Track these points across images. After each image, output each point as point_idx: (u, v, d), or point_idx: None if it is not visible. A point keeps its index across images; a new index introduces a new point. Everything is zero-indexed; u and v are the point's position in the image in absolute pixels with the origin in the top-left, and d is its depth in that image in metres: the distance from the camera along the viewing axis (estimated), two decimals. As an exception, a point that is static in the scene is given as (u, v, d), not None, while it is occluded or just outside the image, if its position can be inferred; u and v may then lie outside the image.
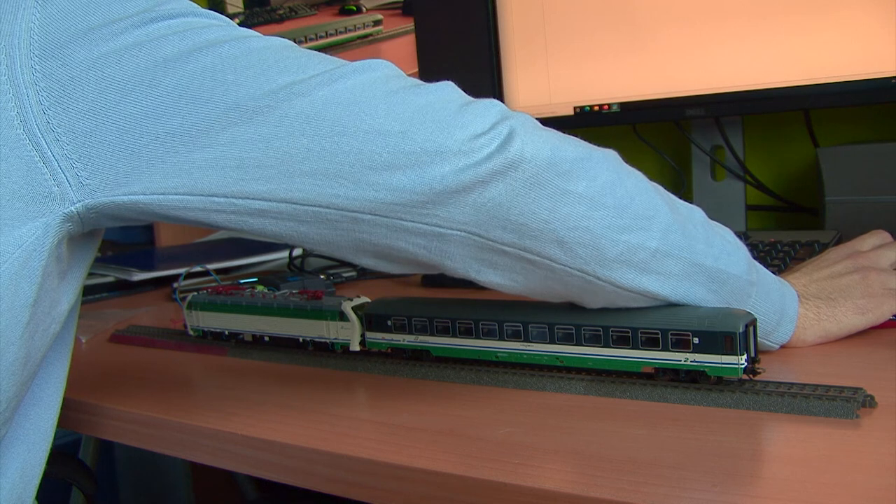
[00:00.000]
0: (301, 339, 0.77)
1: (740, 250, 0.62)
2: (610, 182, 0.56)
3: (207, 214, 0.52)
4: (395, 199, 0.52)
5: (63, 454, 1.07)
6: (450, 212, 0.53)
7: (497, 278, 0.57)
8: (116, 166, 0.50)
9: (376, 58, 0.55)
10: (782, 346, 0.65)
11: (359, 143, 0.51)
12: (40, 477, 0.61)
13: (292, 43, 0.55)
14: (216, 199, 0.51)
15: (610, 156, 0.58)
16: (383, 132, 0.51)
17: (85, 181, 0.50)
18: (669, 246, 0.57)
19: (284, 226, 0.53)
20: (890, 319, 0.68)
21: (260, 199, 0.52)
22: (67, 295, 0.56)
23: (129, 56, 0.50)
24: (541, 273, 0.57)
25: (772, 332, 0.64)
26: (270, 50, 0.52)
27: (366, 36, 1.28)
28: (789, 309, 0.64)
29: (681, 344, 0.56)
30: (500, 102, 0.55)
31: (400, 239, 0.54)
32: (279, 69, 0.51)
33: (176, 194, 0.51)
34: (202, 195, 0.51)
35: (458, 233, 0.54)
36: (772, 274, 0.65)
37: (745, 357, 0.55)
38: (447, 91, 0.55)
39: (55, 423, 0.62)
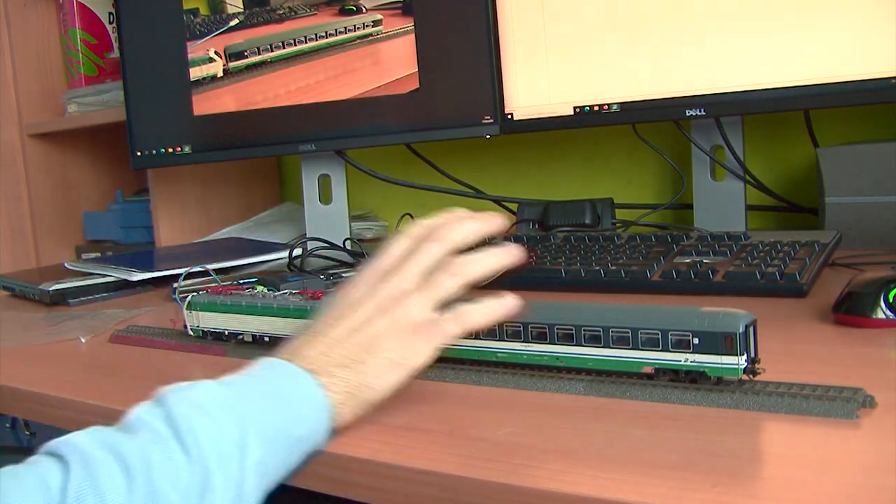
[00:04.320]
0: (301, 340, 0.77)
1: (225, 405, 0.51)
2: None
3: None
4: None
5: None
6: None
7: None
8: None
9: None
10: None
11: None
12: None
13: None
14: None
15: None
16: None
17: None
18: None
19: None
20: (890, 319, 0.68)
21: None
22: None
23: None
24: None
25: (299, 442, 0.53)
26: None
27: (366, 36, 1.28)
28: (311, 408, 0.54)
29: (681, 344, 0.56)
30: None
31: None
32: None
33: None
34: None
35: None
36: (283, 377, 0.55)
37: (745, 357, 0.55)
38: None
39: None
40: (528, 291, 0.98)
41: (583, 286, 0.94)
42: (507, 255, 0.62)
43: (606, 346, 0.59)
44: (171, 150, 1.43)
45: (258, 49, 1.35)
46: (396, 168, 1.54)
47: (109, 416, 0.69)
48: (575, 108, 1.16)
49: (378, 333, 0.57)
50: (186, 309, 0.86)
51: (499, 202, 1.45)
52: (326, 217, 1.41)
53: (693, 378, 0.57)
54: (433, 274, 0.59)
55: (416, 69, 1.25)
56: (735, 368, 0.55)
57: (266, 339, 0.79)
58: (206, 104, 1.39)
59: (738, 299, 0.83)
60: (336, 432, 0.55)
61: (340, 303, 0.60)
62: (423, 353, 0.58)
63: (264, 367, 0.56)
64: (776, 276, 0.83)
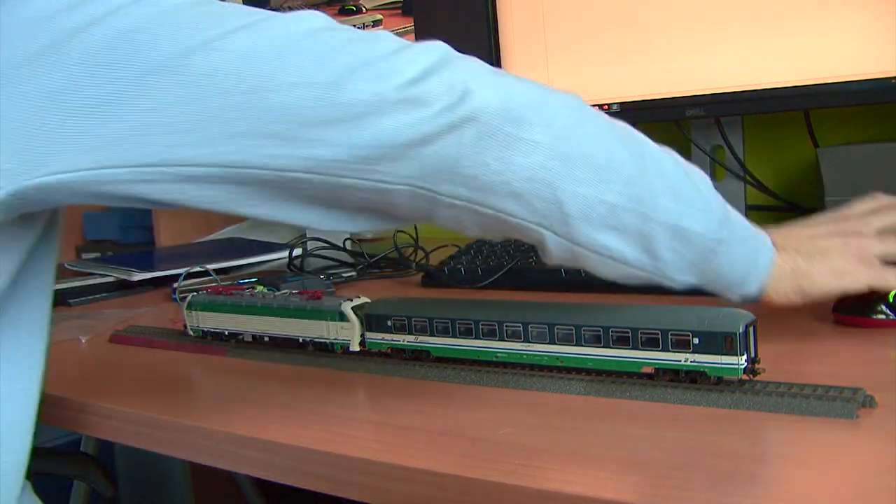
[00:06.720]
0: (301, 340, 0.77)
1: (712, 204, 0.59)
2: (567, 128, 0.53)
3: (140, 187, 0.49)
4: (332, 156, 0.49)
5: (81, 453, 1.06)
6: (392, 167, 0.50)
7: (451, 224, 0.55)
8: (32, 146, 0.47)
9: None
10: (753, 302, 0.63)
11: (287, 97, 0.48)
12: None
13: None
14: (146, 169, 0.48)
15: (570, 100, 0.55)
16: (312, 84, 0.48)
17: (3, 166, 0.47)
18: (629, 201, 0.54)
19: (223, 191, 0.50)
20: (890, 319, 0.68)
21: (192, 166, 0.49)
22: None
23: (36, 29, 0.47)
24: (495, 225, 0.54)
25: (738, 286, 0.61)
26: (186, 6, 0.49)
27: (366, 36, 1.28)
28: (761, 261, 0.62)
29: (681, 344, 0.56)
30: (443, 44, 0.52)
31: (344, 195, 0.52)
32: (195, 25, 0.48)
33: (102, 168, 0.48)
34: (130, 166, 0.48)
35: (403, 187, 0.51)
36: (747, 224, 0.62)
37: (745, 357, 0.55)
38: (383, 38, 0.51)
39: (30, 423, 0.60)
40: (528, 291, 0.98)
41: (583, 286, 0.94)
42: None
43: (606, 346, 0.59)
44: (171, 150, 1.43)
45: (258, 49, 1.35)
46: (396, 168, 1.53)
47: (109, 416, 0.69)
48: (575, 108, 1.16)
49: (831, 247, 0.65)
50: (186, 309, 0.86)
51: (499, 202, 1.45)
52: (326, 217, 1.41)
53: (693, 378, 0.57)
54: (888, 234, 0.67)
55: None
56: (735, 368, 0.55)
57: (266, 339, 0.79)
58: (206, 104, 1.39)
59: (738, 299, 0.83)
60: (759, 297, 0.63)
61: (806, 222, 0.70)
62: (858, 279, 0.64)
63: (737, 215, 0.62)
64: (776, 276, 0.83)
